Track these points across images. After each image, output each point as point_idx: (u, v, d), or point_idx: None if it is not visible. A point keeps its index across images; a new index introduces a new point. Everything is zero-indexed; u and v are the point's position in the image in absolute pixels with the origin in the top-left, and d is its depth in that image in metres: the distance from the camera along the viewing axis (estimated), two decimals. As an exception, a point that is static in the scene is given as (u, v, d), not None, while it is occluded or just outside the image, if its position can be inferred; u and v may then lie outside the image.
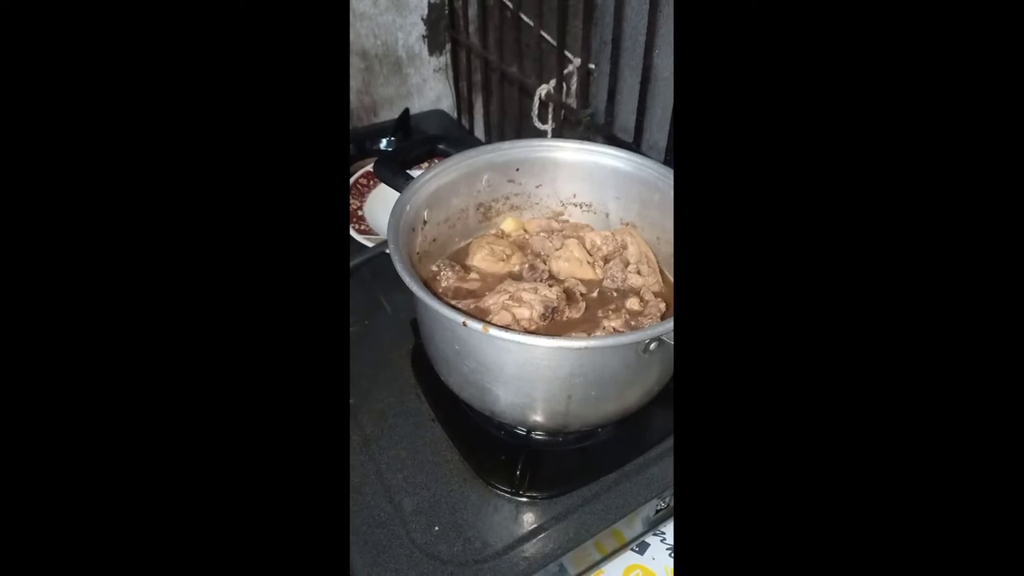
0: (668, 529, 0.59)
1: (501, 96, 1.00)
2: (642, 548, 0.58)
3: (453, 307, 0.43)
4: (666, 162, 0.70)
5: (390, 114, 1.05)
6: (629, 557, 0.57)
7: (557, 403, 0.46)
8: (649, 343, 0.41)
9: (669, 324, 0.41)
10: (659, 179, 0.57)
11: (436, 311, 0.42)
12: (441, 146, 0.65)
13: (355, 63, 1.01)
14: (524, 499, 0.51)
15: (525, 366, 0.44)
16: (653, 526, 0.57)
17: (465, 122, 1.15)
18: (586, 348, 0.41)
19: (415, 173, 0.58)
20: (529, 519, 0.50)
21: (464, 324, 0.41)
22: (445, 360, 0.49)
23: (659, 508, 0.55)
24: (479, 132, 1.13)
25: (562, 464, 0.54)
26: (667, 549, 0.58)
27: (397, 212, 0.51)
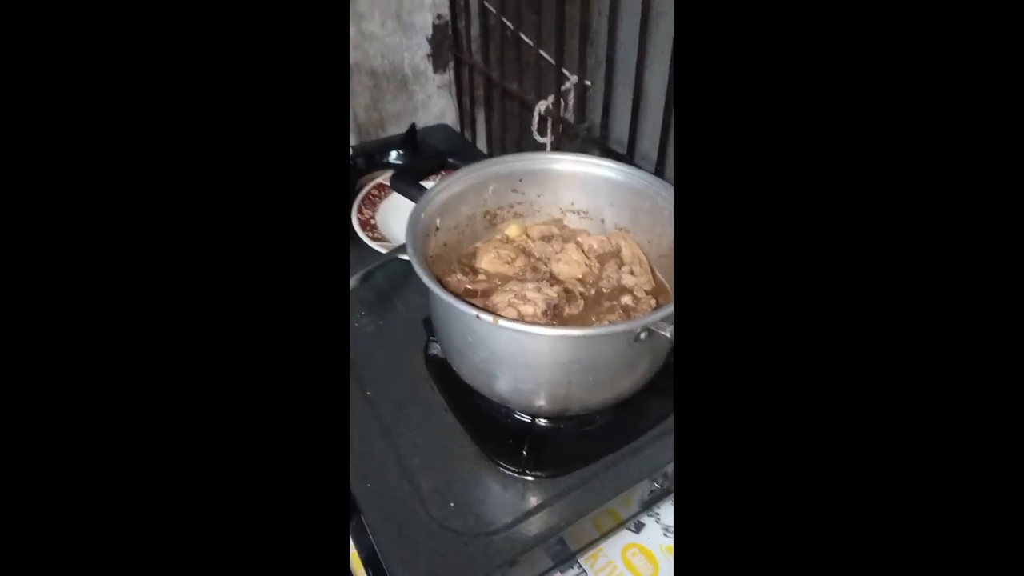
0: (662, 510, 0.62)
1: (502, 111, 1.04)
2: (638, 528, 0.61)
3: (467, 301, 0.48)
4: (657, 172, 0.75)
5: (397, 128, 1.10)
6: (626, 536, 0.61)
7: (559, 387, 0.50)
8: (640, 332, 0.46)
9: (657, 314, 0.46)
10: (648, 187, 0.62)
11: (452, 305, 0.47)
12: (450, 160, 0.70)
13: (364, 81, 1.06)
14: (530, 478, 0.55)
15: (530, 354, 0.48)
16: (648, 506, 0.61)
17: (468, 136, 1.19)
18: (584, 336, 0.46)
19: (428, 184, 0.63)
20: (534, 496, 0.54)
21: (477, 317, 0.46)
22: (458, 351, 0.54)
23: (653, 489, 0.59)
24: (481, 145, 1.17)
25: (564, 447, 0.58)
26: (662, 529, 0.61)
27: (413, 219, 0.56)
